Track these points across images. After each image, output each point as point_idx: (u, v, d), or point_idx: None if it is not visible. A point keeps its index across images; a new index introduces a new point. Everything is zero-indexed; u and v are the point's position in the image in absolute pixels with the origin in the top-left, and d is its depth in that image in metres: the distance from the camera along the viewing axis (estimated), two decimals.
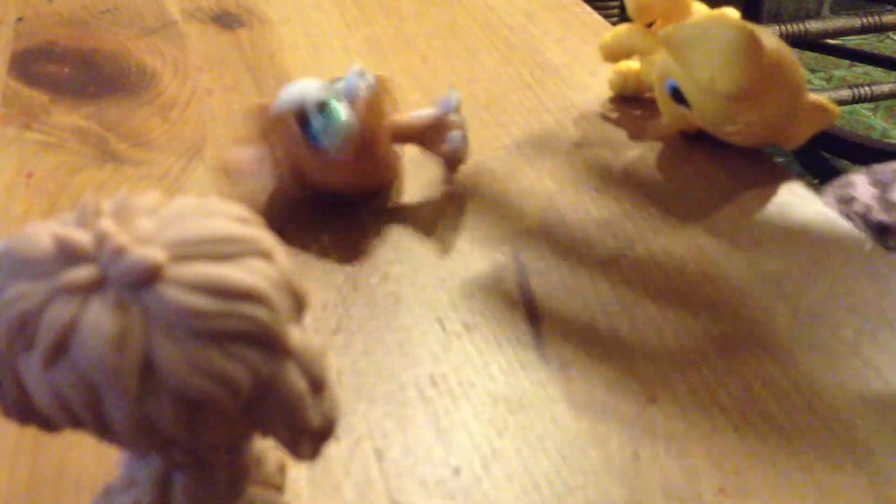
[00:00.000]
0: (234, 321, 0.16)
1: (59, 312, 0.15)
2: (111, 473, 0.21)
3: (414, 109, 0.36)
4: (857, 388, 0.27)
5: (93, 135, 0.42)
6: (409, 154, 0.36)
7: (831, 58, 1.89)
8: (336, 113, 0.32)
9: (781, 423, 0.26)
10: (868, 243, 0.33)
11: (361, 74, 0.34)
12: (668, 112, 0.40)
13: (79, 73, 0.47)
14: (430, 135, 0.35)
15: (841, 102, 1.50)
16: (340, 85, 0.33)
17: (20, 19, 0.52)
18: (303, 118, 0.32)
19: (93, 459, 0.25)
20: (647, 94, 0.43)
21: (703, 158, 0.39)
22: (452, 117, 0.35)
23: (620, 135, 0.41)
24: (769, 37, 0.36)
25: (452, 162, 0.35)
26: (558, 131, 0.41)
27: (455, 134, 0.34)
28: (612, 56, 0.43)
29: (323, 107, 0.32)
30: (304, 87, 0.33)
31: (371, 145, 0.33)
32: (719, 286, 0.31)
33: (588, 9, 0.54)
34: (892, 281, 0.32)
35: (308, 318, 0.30)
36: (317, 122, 0.32)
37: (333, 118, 0.32)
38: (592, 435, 0.26)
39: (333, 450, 0.25)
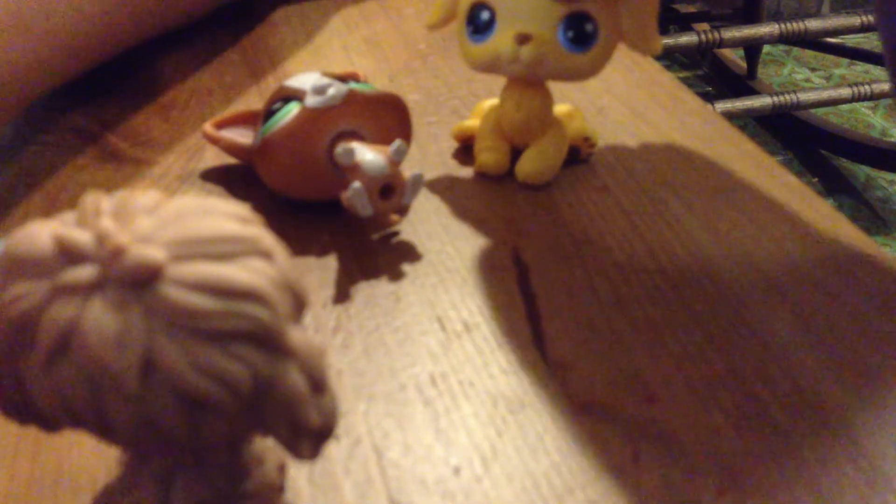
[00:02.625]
0: (235, 320, 0.16)
1: (60, 312, 0.15)
2: (111, 473, 0.21)
3: (414, 109, 0.36)
4: (857, 388, 0.27)
5: (93, 135, 0.42)
6: (410, 154, 0.36)
7: (831, 56, 1.90)
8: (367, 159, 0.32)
9: (781, 423, 0.26)
10: (869, 243, 0.33)
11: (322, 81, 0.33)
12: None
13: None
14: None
15: (841, 101, 1.50)
16: (316, 100, 0.33)
17: None
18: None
19: (93, 459, 0.25)
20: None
21: (703, 158, 0.39)
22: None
23: (621, 134, 0.41)
24: None
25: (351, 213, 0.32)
26: None
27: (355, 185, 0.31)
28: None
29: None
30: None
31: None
32: (719, 286, 0.31)
33: None
34: (892, 281, 0.32)
35: (308, 318, 0.30)
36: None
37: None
38: (592, 435, 0.26)
39: (333, 449, 0.25)
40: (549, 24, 0.33)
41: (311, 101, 0.33)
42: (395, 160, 0.32)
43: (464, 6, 0.35)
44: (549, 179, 0.37)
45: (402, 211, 0.33)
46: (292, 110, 0.33)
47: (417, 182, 0.32)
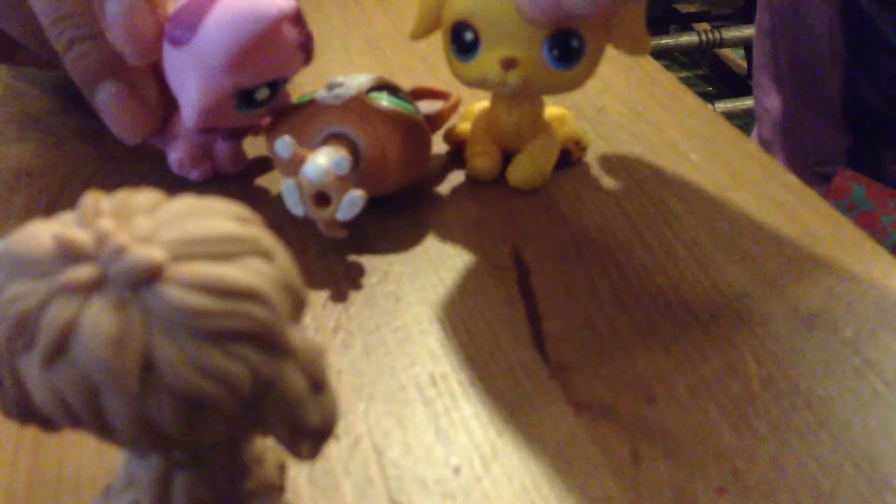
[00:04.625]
0: (235, 320, 0.16)
1: (59, 312, 0.15)
2: (111, 473, 0.21)
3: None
4: (857, 388, 0.27)
5: (93, 134, 0.42)
6: None
7: None
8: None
9: (781, 423, 0.26)
10: (868, 243, 0.33)
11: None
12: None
13: None
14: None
15: None
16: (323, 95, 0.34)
17: None
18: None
19: (93, 459, 0.25)
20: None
21: (703, 158, 0.39)
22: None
23: (621, 134, 0.41)
24: None
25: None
26: None
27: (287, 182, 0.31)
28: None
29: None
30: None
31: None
32: (719, 286, 0.31)
33: None
34: (892, 281, 0.32)
35: (308, 318, 0.30)
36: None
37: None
38: (592, 435, 0.26)
39: (333, 449, 0.25)
40: (534, 45, 0.33)
41: (320, 94, 0.34)
42: (335, 171, 0.31)
43: (447, 23, 0.34)
44: (541, 184, 0.37)
45: (337, 225, 0.32)
46: (309, 99, 0.35)
47: (354, 203, 0.31)
